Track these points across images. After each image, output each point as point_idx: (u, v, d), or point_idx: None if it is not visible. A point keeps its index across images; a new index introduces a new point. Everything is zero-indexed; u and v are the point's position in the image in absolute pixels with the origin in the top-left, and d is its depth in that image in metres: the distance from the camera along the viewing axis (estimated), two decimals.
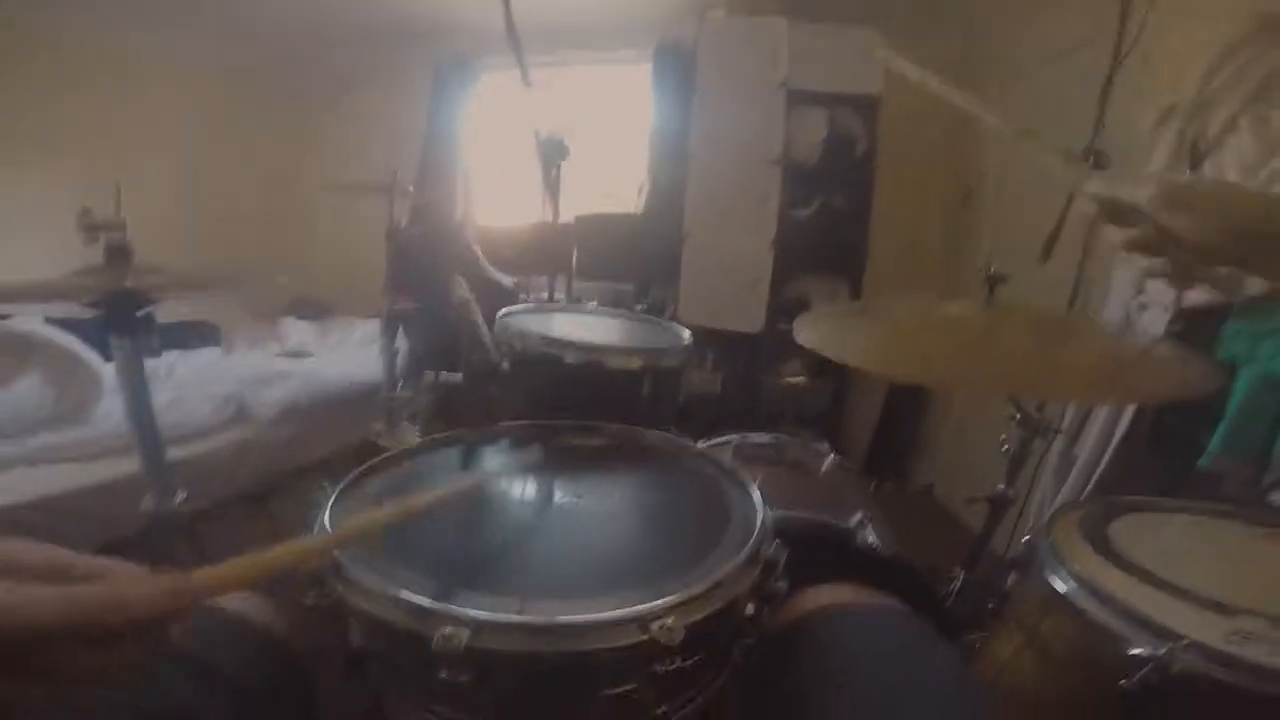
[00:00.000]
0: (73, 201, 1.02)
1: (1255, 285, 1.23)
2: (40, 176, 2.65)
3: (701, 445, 0.93)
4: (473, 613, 0.48)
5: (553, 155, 1.47)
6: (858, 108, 2.57)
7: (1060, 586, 0.70)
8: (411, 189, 2.34)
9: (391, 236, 2.18)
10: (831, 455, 1.25)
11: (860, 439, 2.93)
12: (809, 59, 2.49)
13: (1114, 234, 0.62)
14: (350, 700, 0.61)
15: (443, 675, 0.48)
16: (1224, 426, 1.26)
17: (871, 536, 0.98)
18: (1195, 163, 1.34)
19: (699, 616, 0.52)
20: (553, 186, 1.49)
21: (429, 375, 1.12)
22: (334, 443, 2.55)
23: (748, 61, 2.53)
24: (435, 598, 0.50)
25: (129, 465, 1.66)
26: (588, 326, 1.19)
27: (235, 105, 3.51)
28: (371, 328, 2.83)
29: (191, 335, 2.93)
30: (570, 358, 0.95)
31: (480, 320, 1.01)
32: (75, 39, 2.76)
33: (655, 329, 1.23)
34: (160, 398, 2.18)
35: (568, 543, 0.67)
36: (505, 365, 0.99)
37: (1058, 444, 1.60)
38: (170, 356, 2.63)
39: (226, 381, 2.44)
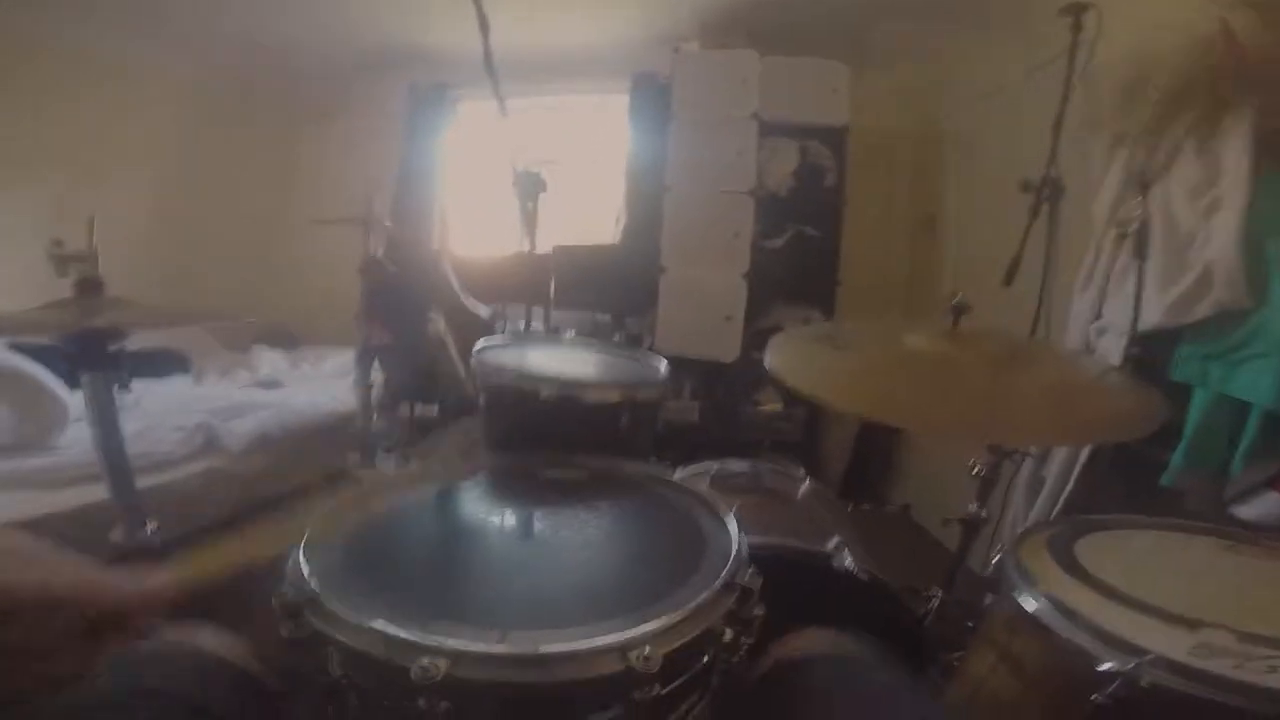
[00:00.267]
0: (40, 224, 1.00)
1: (1201, 309, 1.28)
2: (6, 197, 2.59)
3: (680, 473, 0.94)
4: (451, 643, 0.48)
5: (529, 189, 1.49)
6: (826, 138, 2.64)
7: (1029, 605, 0.71)
8: (388, 220, 2.34)
9: (367, 268, 2.17)
10: (807, 481, 1.26)
11: (836, 463, 2.95)
12: (780, 91, 2.56)
13: None
14: None
15: (421, 705, 0.48)
16: (1184, 445, 1.31)
17: (848, 560, 0.99)
18: (1143, 189, 1.40)
19: (677, 644, 0.52)
20: (530, 219, 1.50)
21: (405, 407, 1.12)
22: (307, 473, 2.50)
23: (721, 93, 2.59)
24: (414, 628, 0.50)
25: (95, 493, 1.62)
26: (565, 359, 1.19)
27: (209, 132, 3.48)
28: (343, 358, 2.79)
29: (161, 364, 2.87)
30: (547, 391, 0.96)
31: (455, 354, 1.02)
32: (47, 60, 2.73)
33: (633, 361, 1.24)
34: (128, 427, 2.12)
35: (545, 573, 0.67)
36: (481, 399, 0.99)
37: (1027, 465, 1.63)
38: (139, 386, 2.56)
39: (196, 411, 2.39)
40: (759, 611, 0.64)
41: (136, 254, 2.78)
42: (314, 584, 0.54)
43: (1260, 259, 1.23)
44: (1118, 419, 0.87)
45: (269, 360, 3.31)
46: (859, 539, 1.12)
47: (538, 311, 1.77)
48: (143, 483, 1.72)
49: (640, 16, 2.90)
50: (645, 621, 0.52)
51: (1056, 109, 1.52)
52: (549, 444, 0.91)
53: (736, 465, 1.28)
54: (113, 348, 1.02)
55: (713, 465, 1.26)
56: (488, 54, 1.35)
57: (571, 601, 0.62)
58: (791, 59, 2.58)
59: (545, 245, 1.63)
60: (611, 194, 3.11)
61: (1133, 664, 0.60)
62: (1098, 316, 1.55)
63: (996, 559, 0.83)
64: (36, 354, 2.10)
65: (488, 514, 0.80)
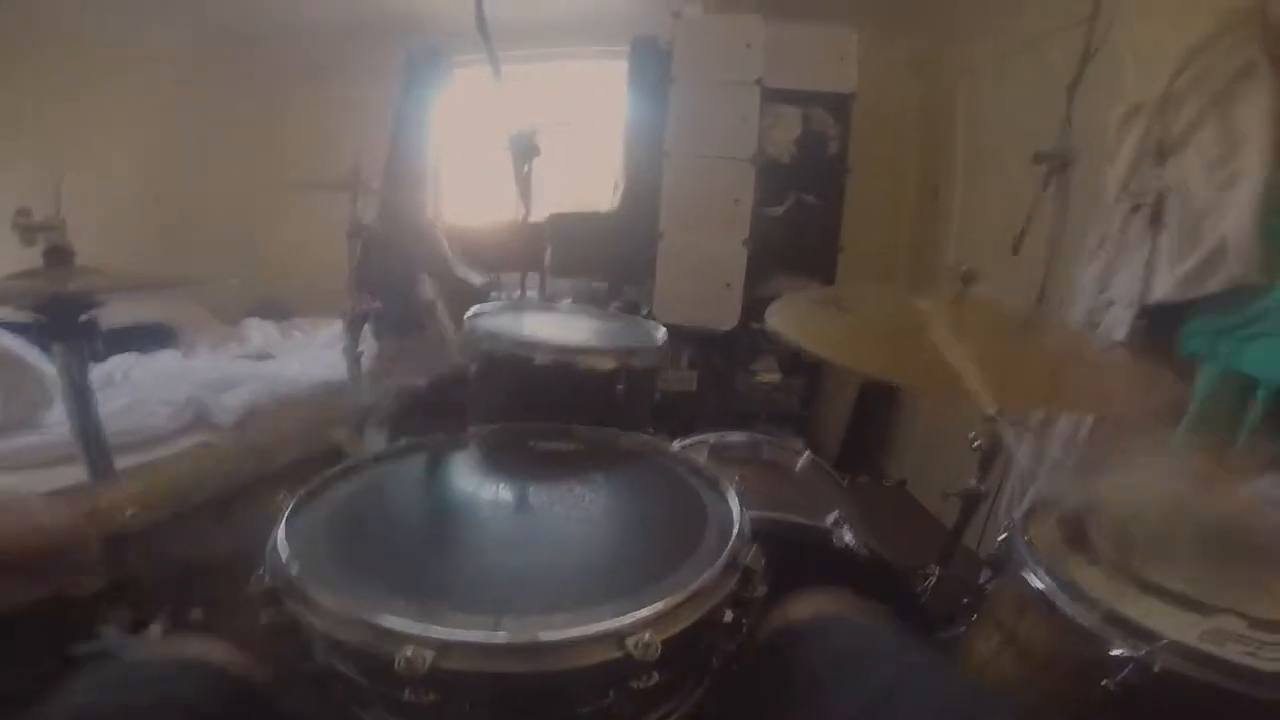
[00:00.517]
0: (14, 196, 0.95)
1: (1214, 283, 1.26)
2: None
3: (678, 445, 0.92)
4: (438, 631, 0.46)
5: (524, 153, 1.44)
6: (831, 106, 2.58)
7: (1037, 585, 0.69)
8: (378, 185, 2.28)
9: (356, 234, 2.12)
10: (806, 453, 1.24)
11: (833, 435, 2.94)
12: (784, 56, 2.49)
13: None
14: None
15: (407, 696, 0.45)
16: (1188, 420, 1.29)
17: (848, 535, 0.98)
18: (1159, 161, 1.36)
19: (676, 630, 0.50)
20: (524, 184, 1.45)
21: (394, 378, 1.09)
22: (297, 448, 2.48)
23: (723, 59, 2.52)
24: (397, 615, 0.47)
25: (81, 473, 1.60)
26: (561, 326, 1.16)
27: (194, 95, 3.37)
28: (335, 329, 2.75)
29: (148, 338, 2.82)
30: (541, 358, 0.93)
31: (447, 322, 0.98)
32: (20, 21, 2.62)
33: (630, 327, 1.21)
34: (116, 402, 2.07)
35: (538, 553, 0.64)
36: (472, 368, 0.96)
37: (1027, 440, 1.61)
38: (127, 359, 2.52)
39: (185, 385, 2.35)
40: (761, 592, 0.62)
41: (118, 223, 2.71)
42: (294, 568, 0.51)
43: (1276, 235, 1.20)
44: (1125, 394, 0.85)
45: (260, 331, 3.26)
46: (856, 513, 1.11)
47: (533, 280, 1.73)
48: (132, 459, 1.69)
49: None
50: (644, 605, 0.50)
51: (1072, 77, 1.46)
52: (543, 413, 0.88)
53: (735, 437, 1.25)
54: (84, 317, 0.97)
55: (710, 436, 1.24)
56: (481, 17, 1.29)
57: (566, 582, 0.60)
58: (798, 25, 2.50)
59: (541, 213, 1.58)
60: (609, 160, 3.04)
61: (1145, 649, 0.58)
62: (1104, 289, 1.52)
63: (1003, 536, 0.81)
64: (21, 331, 2.05)
65: (478, 489, 0.77)
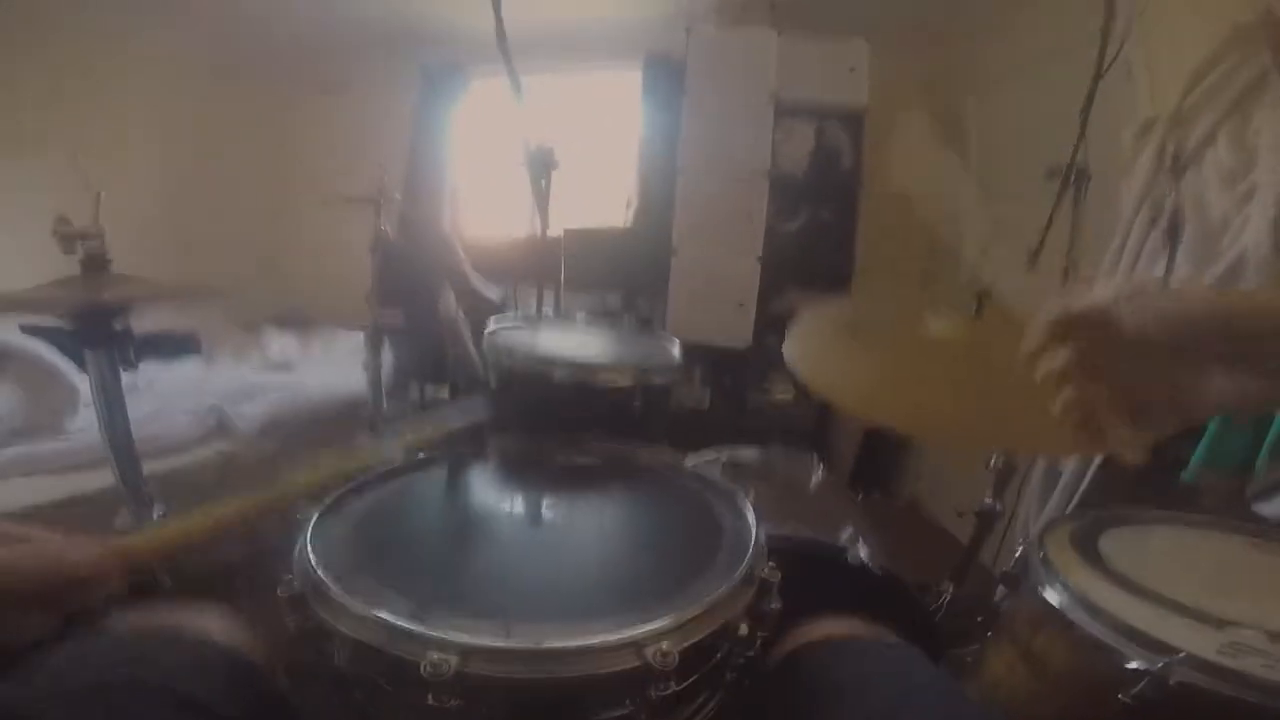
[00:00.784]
0: (47, 201, 0.98)
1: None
2: (12, 173, 2.58)
3: (691, 461, 0.93)
4: (462, 638, 0.47)
5: (541, 166, 1.46)
6: (844, 120, 2.59)
7: (1054, 600, 0.70)
8: (399, 198, 2.31)
9: (377, 247, 2.15)
10: (820, 469, 1.24)
11: (846, 452, 2.92)
12: (798, 71, 2.50)
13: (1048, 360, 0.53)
14: None
15: (430, 701, 0.46)
16: (1206, 440, 1.27)
17: (863, 552, 0.98)
18: (1175, 175, 1.36)
19: (694, 640, 0.51)
20: (541, 198, 1.48)
21: (415, 389, 1.10)
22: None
23: (737, 73, 2.53)
24: (423, 621, 0.49)
25: (105, 479, 1.62)
26: (577, 342, 1.18)
27: (219, 108, 3.44)
28: (356, 339, 2.78)
29: (172, 345, 2.87)
30: (559, 374, 0.94)
31: (468, 336, 1.00)
32: (53, 36, 2.70)
33: (646, 343, 1.22)
34: (139, 410, 2.11)
35: (558, 563, 0.65)
36: (492, 382, 0.98)
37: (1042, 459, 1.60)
38: (150, 368, 2.57)
39: (207, 394, 2.39)
40: (776, 605, 0.62)
41: (144, 232, 2.75)
42: (321, 574, 0.53)
43: None
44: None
45: (281, 342, 3.30)
46: (870, 530, 1.11)
47: (549, 294, 1.75)
48: (154, 467, 1.71)
49: None
50: (662, 615, 0.51)
51: (1086, 91, 1.47)
52: (561, 427, 0.90)
53: (748, 453, 1.26)
54: (118, 325, 1.01)
55: (724, 452, 1.25)
56: (500, 32, 1.31)
57: (585, 593, 0.61)
58: (810, 37, 2.51)
59: (556, 229, 1.60)
60: (623, 177, 3.07)
61: (1162, 663, 0.58)
62: None
63: (1019, 552, 0.81)
64: (47, 337, 2.09)
65: (499, 501, 0.78)
